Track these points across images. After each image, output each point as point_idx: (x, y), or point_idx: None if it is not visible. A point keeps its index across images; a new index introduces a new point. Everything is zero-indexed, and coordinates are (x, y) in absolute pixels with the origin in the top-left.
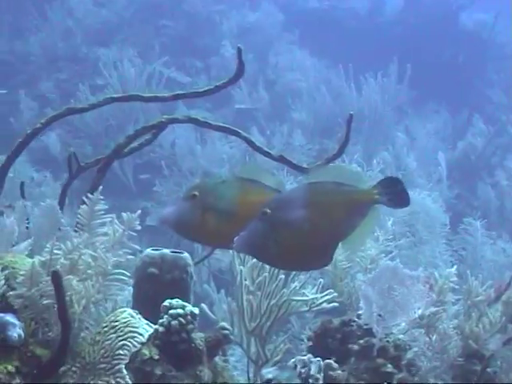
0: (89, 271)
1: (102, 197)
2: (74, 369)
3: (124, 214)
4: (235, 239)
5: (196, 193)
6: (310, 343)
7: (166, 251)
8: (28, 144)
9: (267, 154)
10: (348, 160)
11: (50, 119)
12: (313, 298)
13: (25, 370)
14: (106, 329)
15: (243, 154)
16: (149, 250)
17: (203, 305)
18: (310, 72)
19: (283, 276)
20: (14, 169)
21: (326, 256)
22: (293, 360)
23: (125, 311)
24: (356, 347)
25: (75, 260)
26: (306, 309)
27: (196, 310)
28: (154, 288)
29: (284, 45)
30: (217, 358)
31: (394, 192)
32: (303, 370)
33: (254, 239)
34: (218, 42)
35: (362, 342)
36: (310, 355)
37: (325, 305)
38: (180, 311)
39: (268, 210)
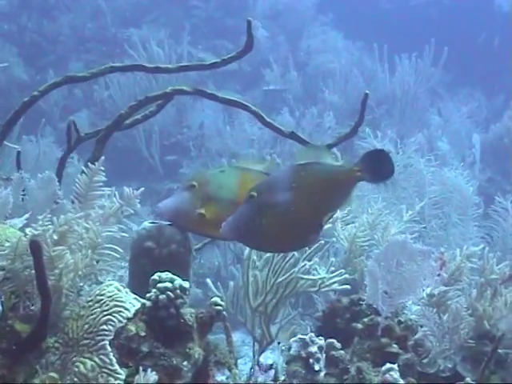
0: (80, 242)
1: (102, 168)
2: (56, 345)
3: (126, 189)
4: (222, 225)
5: (195, 183)
6: (319, 323)
7: (164, 224)
8: (24, 112)
9: (277, 130)
10: (381, 142)
11: (49, 87)
12: (322, 278)
13: (3, 345)
14: (90, 303)
15: (272, 135)
16: (146, 223)
17: (208, 280)
18: (342, 54)
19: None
20: (40, 150)
21: (312, 234)
22: (293, 339)
23: (111, 284)
24: (360, 326)
25: (64, 231)
26: (315, 289)
27: (186, 284)
28: (150, 263)
29: (317, 26)
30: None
31: (377, 166)
32: (304, 351)
33: (240, 223)
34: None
35: (366, 320)
36: (311, 334)
37: (336, 286)
38: (168, 285)
39: (254, 194)
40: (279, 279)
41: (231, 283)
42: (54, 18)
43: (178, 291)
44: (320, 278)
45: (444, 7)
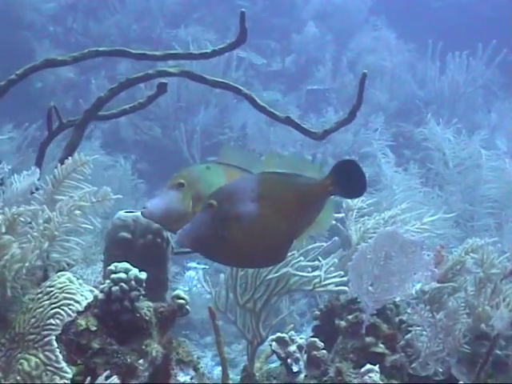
0: (35, 233)
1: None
2: (2, 341)
3: (104, 188)
4: (178, 232)
5: (182, 181)
6: (316, 322)
7: (139, 213)
8: (1, 96)
9: (272, 115)
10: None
11: (27, 70)
12: (317, 276)
13: None
14: (40, 295)
15: None
16: (121, 212)
17: (201, 272)
18: (390, 53)
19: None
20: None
21: (278, 253)
22: (272, 337)
23: (64, 275)
24: (343, 323)
25: (14, 221)
26: (310, 288)
27: (142, 275)
28: (125, 254)
29: (366, 26)
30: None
31: (349, 179)
32: (282, 350)
33: (198, 233)
34: (295, 23)
35: (350, 317)
36: (292, 333)
37: (332, 287)
38: (122, 275)
39: (214, 203)
40: (270, 275)
41: (222, 276)
42: (100, 20)
43: (133, 283)
44: (315, 277)
45: (496, 4)
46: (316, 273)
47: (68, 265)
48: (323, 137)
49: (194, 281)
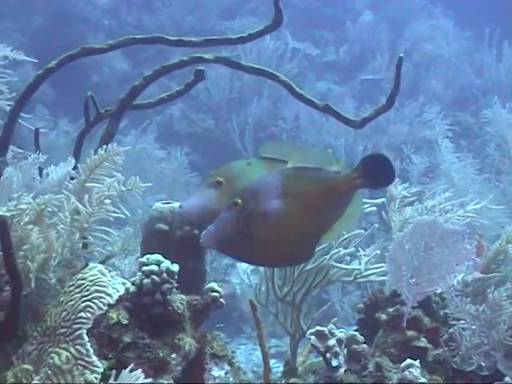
0: (62, 226)
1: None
2: (34, 334)
3: (133, 178)
4: (202, 233)
5: (221, 179)
6: (360, 315)
7: (177, 205)
8: (38, 86)
9: (310, 102)
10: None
11: (64, 59)
12: (357, 268)
13: None
14: (71, 288)
15: (371, 127)
16: (158, 204)
17: (239, 265)
18: (447, 41)
19: None
20: (139, 147)
21: (305, 251)
22: (311, 331)
23: (95, 267)
24: (384, 316)
25: (41, 212)
26: (350, 279)
27: (174, 267)
28: (162, 246)
29: (422, 14)
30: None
31: (378, 172)
32: (321, 344)
33: (224, 233)
34: (349, 12)
35: (391, 310)
36: (331, 326)
37: (373, 277)
38: (154, 268)
39: (239, 201)
40: (308, 266)
41: (262, 269)
42: (154, 12)
43: (165, 275)
44: (355, 269)
45: None
46: (356, 265)
47: (108, 257)
48: (362, 125)
49: (245, 273)
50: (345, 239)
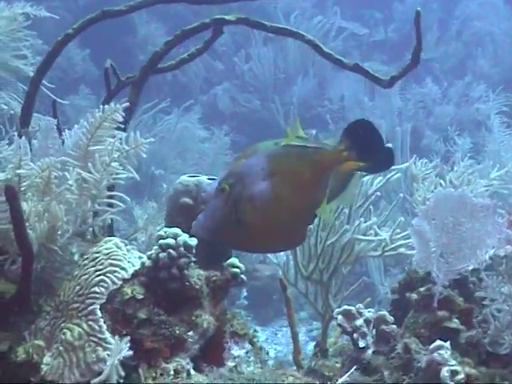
0: (69, 195)
1: (120, 107)
2: (47, 309)
3: (131, 134)
4: (193, 224)
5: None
6: (394, 296)
7: (203, 178)
8: (59, 52)
9: (338, 62)
10: None
11: (84, 23)
12: (383, 239)
13: None
14: (85, 261)
15: (415, 106)
16: (183, 177)
17: None
18: (498, 19)
19: (346, 210)
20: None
21: (298, 231)
22: (338, 310)
23: (111, 240)
24: (415, 296)
25: (48, 178)
26: (378, 253)
27: (192, 241)
28: (186, 221)
29: None
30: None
31: (365, 141)
32: (349, 324)
33: (212, 222)
34: None
35: (422, 289)
36: (359, 305)
37: (403, 250)
38: (170, 241)
39: (226, 187)
40: (329, 241)
41: None
42: None
43: (182, 249)
44: (381, 240)
45: None
46: (381, 235)
47: (135, 231)
48: (391, 84)
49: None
50: (366, 210)
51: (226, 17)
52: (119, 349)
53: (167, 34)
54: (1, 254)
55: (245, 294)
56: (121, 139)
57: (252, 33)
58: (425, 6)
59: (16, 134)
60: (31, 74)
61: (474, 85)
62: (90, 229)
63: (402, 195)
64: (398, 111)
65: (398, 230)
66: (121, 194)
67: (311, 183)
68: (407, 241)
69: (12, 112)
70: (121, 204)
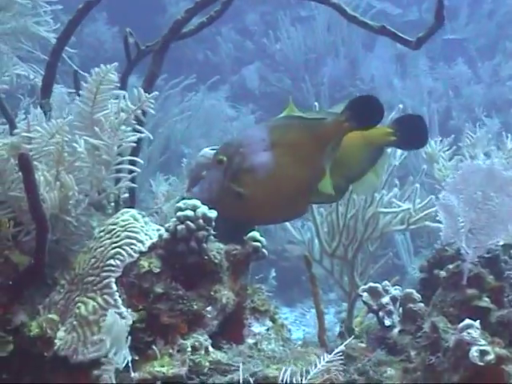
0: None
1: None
2: (62, 282)
3: (134, 90)
4: (187, 195)
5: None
6: (423, 275)
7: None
8: (80, 21)
9: (364, 25)
10: None
11: None
12: (407, 209)
13: None
14: (101, 233)
15: (446, 86)
16: (206, 150)
17: (287, 224)
18: None
19: None
20: (210, 103)
21: (300, 203)
22: (363, 287)
23: (128, 212)
24: (443, 273)
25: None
26: (403, 227)
27: (212, 213)
28: None
29: None
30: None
31: (366, 112)
32: (374, 302)
33: (209, 194)
34: None
35: (451, 266)
36: (385, 282)
37: (428, 222)
38: (189, 213)
39: (223, 158)
40: (350, 214)
41: (309, 223)
42: None
43: (201, 221)
44: (404, 210)
45: None
46: (405, 205)
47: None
48: (418, 45)
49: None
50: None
51: None
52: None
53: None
54: (15, 226)
55: (273, 274)
56: (125, 98)
57: (280, 12)
58: None
59: (32, 104)
60: (53, 41)
61: (503, 63)
62: (112, 204)
63: (425, 167)
64: (428, 92)
65: (421, 201)
66: (136, 159)
67: (313, 154)
68: (432, 209)
69: (32, 83)
70: (137, 169)
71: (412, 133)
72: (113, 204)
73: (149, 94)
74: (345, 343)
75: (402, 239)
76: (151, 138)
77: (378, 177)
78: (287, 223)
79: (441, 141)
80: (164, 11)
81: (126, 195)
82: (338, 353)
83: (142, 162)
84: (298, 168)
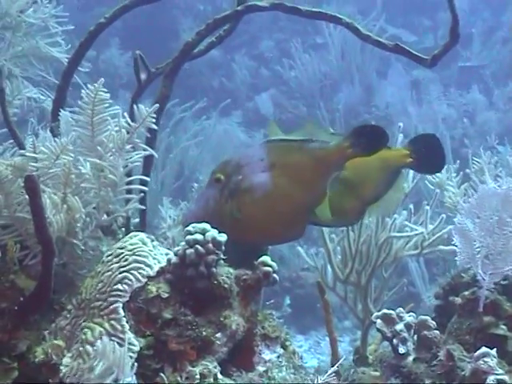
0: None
1: (102, 86)
2: (69, 307)
3: (136, 106)
4: (183, 214)
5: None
6: (438, 302)
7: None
8: (92, 43)
9: (378, 43)
10: None
11: (118, 11)
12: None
13: (2, 305)
14: (109, 257)
15: (460, 114)
16: None
17: (299, 248)
18: None
19: None
20: (223, 128)
21: (297, 226)
22: (377, 314)
23: (136, 235)
24: (459, 300)
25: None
26: (417, 251)
27: (221, 237)
28: None
29: None
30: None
31: (370, 140)
32: (388, 328)
33: (205, 212)
34: None
35: (467, 293)
36: (400, 309)
37: (441, 247)
38: (198, 237)
39: (221, 176)
40: (362, 238)
41: (322, 250)
42: None
43: (211, 245)
44: (417, 234)
45: None
46: (419, 229)
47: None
48: (433, 62)
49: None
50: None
51: (260, 3)
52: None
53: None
54: (22, 249)
55: (288, 302)
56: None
57: (296, 38)
58: (474, 14)
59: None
60: (65, 61)
61: None
62: (123, 229)
63: (438, 191)
64: (443, 118)
65: (434, 225)
66: (143, 177)
67: (313, 178)
68: (445, 230)
69: (42, 106)
70: (144, 188)
71: (428, 154)
72: (123, 229)
73: (158, 116)
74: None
75: (415, 267)
76: (156, 156)
77: (395, 199)
78: (301, 250)
79: (447, 168)
80: (178, 38)
81: (137, 220)
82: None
83: (148, 179)
84: (296, 191)
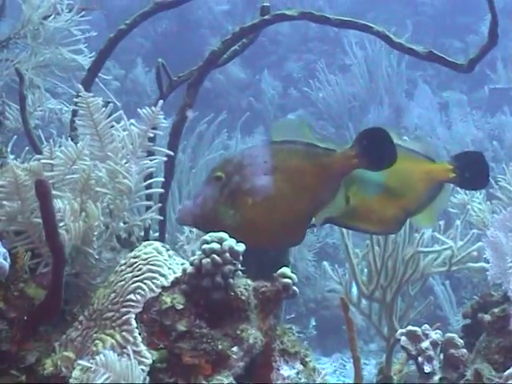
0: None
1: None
2: (80, 318)
3: (139, 111)
4: (178, 209)
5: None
6: (466, 321)
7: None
8: (112, 50)
9: (411, 51)
10: None
11: (138, 17)
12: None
13: (11, 315)
14: (122, 267)
15: (488, 135)
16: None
17: (325, 263)
18: None
19: None
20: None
21: (296, 233)
22: (401, 331)
23: (151, 244)
24: (488, 318)
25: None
26: (445, 268)
27: (240, 247)
28: None
29: None
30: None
31: (376, 149)
32: (413, 346)
33: (202, 210)
34: (480, 19)
35: (496, 310)
36: (425, 326)
37: (470, 264)
38: (215, 246)
39: (222, 175)
40: (387, 253)
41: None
42: None
43: (228, 255)
44: (445, 249)
45: None
46: (449, 242)
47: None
48: (471, 68)
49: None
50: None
51: (288, 12)
52: None
53: (241, 65)
54: (34, 257)
55: (313, 323)
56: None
57: (329, 61)
58: (505, 36)
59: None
60: (87, 67)
61: None
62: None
63: (469, 207)
64: (472, 140)
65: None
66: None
67: (316, 185)
68: (475, 246)
69: (62, 117)
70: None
71: (472, 170)
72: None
73: (181, 127)
74: None
75: (442, 290)
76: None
77: (436, 213)
78: (326, 264)
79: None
80: (202, 55)
81: (156, 234)
82: None
83: (162, 190)
84: (298, 196)
